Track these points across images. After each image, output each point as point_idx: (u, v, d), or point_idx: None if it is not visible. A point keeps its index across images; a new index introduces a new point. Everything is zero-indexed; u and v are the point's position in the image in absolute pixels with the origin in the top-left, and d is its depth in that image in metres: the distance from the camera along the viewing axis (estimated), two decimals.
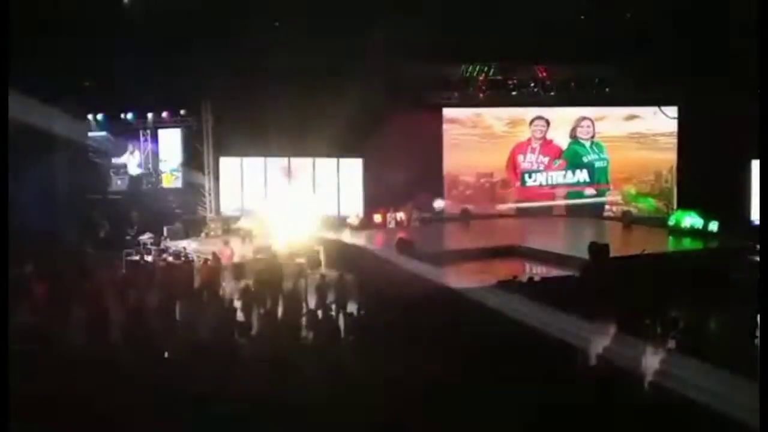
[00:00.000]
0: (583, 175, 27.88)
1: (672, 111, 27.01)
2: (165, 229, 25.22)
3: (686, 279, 18.02)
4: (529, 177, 27.94)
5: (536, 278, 18.23)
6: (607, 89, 27.05)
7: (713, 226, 23.01)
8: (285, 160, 27.70)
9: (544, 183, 28.00)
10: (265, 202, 27.53)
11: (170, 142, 29.37)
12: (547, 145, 27.88)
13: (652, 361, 12.26)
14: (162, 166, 29.52)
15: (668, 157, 27.19)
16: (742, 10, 21.23)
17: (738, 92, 22.82)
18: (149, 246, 23.28)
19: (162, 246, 23.46)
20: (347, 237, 24.59)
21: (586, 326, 14.50)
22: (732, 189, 23.07)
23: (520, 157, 27.92)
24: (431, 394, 9.93)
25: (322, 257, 22.38)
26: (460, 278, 19.42)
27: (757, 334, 13.12)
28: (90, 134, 28.10)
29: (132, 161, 29.23)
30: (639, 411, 10.06)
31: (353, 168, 26.70)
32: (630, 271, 18.80)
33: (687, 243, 23.09)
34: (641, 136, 27.55)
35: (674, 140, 26.99)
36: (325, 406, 9.67)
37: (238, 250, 22.85)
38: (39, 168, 23.80)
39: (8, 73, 12.83)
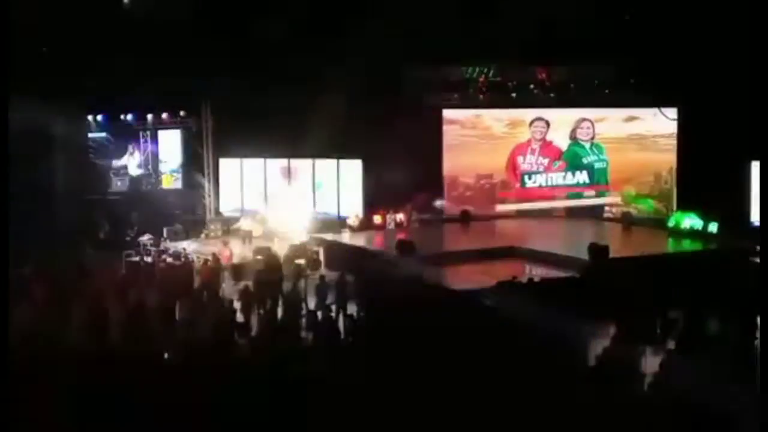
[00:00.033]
0: (582, 177, 27.88)
1: (672, 112, 27.02)
2: (165, 230, 25.22)
3: (686, 280, 18.05)
4: (529, 178, 27.92)
5: (536, 279, 18.21)
6: (606, 91, 27.07)
7: (713, 227, 22.98)
8: (285, 161, 27.72)
9: (543, 184, 27.99)
10: (265, 203, 27.55)
11: (170, 143, 29.37)
12: (546, 146, 27.88)
13: (651, 361, 12.29)
14: (162, 167, 29.52)
15: (668, 158, 27.20)
16: (742, 10, 21.27)
17: (738, 94, 22.87)
18: (149, 247, 23.27)
19: (162, 247, 23.45)
20: (347, 238, 24.62)
21: (585, 327, 14.53)
22: (731, 190, 23.07)
23: (520, 159, 27.91)
24: (431, 394, 9.92)
25: (321, 258, 22.39)
26: (459, 279, 19.45)
27: (757, 335, 13.12)
28: (90, 135, 28.08)
29: (132, 162, 29.21)
30: (639, 411, 10.05)
31: (353, 169, 26.70)
32: (629, 272, 18.83)
33: (686, 244, 23.08)
34: (641, 137, 27.55)
35: (674, 141, 27.00)
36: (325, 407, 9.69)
37: (238, 251, 22.88)
38: (39, 168, 23.82)
39: (9, 74, 12.82)
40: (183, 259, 21.32)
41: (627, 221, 26.18)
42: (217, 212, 28.15)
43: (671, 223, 24.56)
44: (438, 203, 27.40)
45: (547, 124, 27.78)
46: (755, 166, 22.26)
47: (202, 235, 26.16)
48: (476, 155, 27.92)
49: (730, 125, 23.15)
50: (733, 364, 11.34)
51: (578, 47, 24.24)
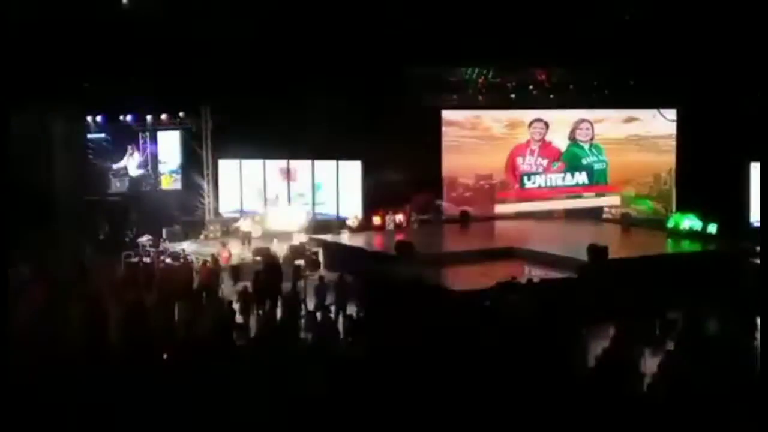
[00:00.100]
0: (582, 178, 27.89)
1: (671, 113, 27.03)
2: (164, 231, 25.21)
3: (685, 281, 18.07)
4: (528, 179, 27.92)
5: (535, 280, 18.21)
6: (606, 91, 27.06)
7: (712, 228, 22.99)
8: (284, 162, 27.71)
9: (543, 185, 27.99)
10: (264, 204, 27.54)
11: (169, 144, 29.34)
12: (546, 147, 27.88)
13: (650, 362, 12.30)
14: (161, 168, 29.50)
15: (667, 159, 27.22)
16: (741, 11, 21.28)
17: (737, 95, 22.89)
18: (148, 248, 23.26)
19: (161, 248, 23.43)
20: (346, 239, 24.62)
21: (584, 328, 14.54)
22: (731, 191, 23.08)
23: (519, 159, 27.91)
24: (430, 394, 9.93)
25: (320, 259, 22.39)
26: (459, 280, 19.46)
27: (757, 335, 13.12)
28: (89, 136, 28.05)
29: (131, 163, 29.19)
30: (638, 411, 10.06)
31: (352, 170, 26.70)
32: (629, 273, 18.85)
33: (686, 245, 23.08)
34: (640, 138, 27.57)
35: (673, 143, 27.02)
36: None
37: (237, 252, 22.88)
38: (38, 169, 23.82)
39: (9, 75, 12.83)
40: (182, 260, 21.31)
41: (626, 222, 26.18)
42: (217, 213, 28.14)
43: (670, 224, 24.55)
44: (437, 204, 27.40)
45: (546, 125, 27.78)
46: (754, 167, 22.25)
47: (202, 236, 26.15)
48: (475, 156, 27.92)
49: (730, 126, 23.17)
50: (733, 365, 11.34)
51: (578, 48, 24.23)
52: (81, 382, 10.23)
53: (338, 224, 25.79)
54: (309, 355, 12.77)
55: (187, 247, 23.56)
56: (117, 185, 28.97)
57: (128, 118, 28.57)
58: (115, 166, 28.73)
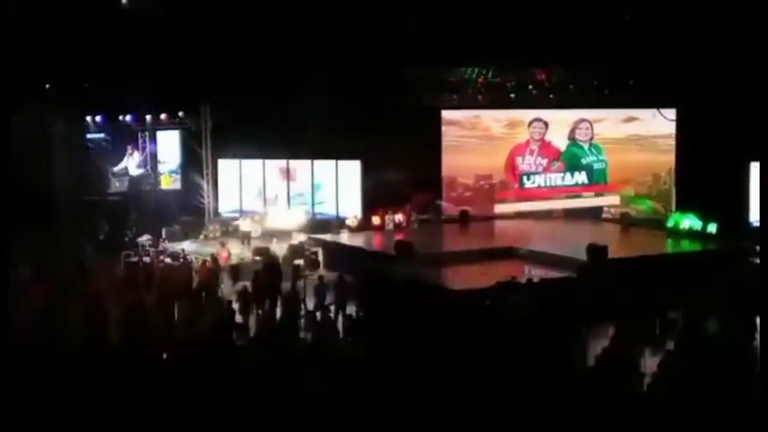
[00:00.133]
0: (581, 177, 27.89)
1: (671, 113, 27.03)
2: (163, 231, 25.21)
3: (685, 281, 18.06)
4: (528, 179, 27.92)
5: (535, 279, 18.20)
6: (605, 91, 27.06)
7: (712, 227, 22.98)
8: (283, 161, 27.71)
9: (542, 185, 27.99)
10: (264, 204, 27.55)
11: (169, 143, 29.37)
12: (545, 146, 27.88)
13: (650, 362, 12.30)
14: (161, 168, 29.52)
15: (667, 159, 27.21)
16: (741, 11, 21.28)
17: (737, 94, 22.88)
18: (148, 248, 23.26)
19: (160, 247, 23.44)
20: (345, 238, 24.62)
21: (584, 327, 14.54)
22: (730, 191, 23.07)
23: (519, 159, 27.92)
24: (430, 394, 9.93)
25: (320, 259, 22.39)
26: (458, 279, 19.46)
27: (757, 336, 13.13)
28: (89, 136, 28.07)
29: (131, 163, 29.21)
30: (638, 411, 10.06)
31: (352, 169, 26.70)
32: (628, 272, 18.85)
33: (685, 245, 23.08)
34: (640, 138, 27.56)
35: (673, 142, 27.01)
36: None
37: (237, 252, 22.87)
38: (38, 169, 23.82)
39: (8, 75, 12.83)
40: (182, 260, 21.30)
41: (626, 222, 26.18)
42: (216, 213, 28.15)
43: (670, 224, 24.55)
44: (437, 204, 27.40)
45: (546, 124, 27.78)
46: (754, 167, 22.25)
47: (201, 236, 26.15)
48: (475, 156, 27.92)
49: (729, 126, 23.16)
50: (733, 364, 11.34)
51: (578, 48, 24.23)
52: (81, 382, 10.24)
53: (338, 224, 25.80)
54: (308, 355, 12.77)
55: (186, 246, 23.56)
56: (117, 185, 29.00)
57: (128, 118, 28.61)
58: (115, 169, 28.79)
